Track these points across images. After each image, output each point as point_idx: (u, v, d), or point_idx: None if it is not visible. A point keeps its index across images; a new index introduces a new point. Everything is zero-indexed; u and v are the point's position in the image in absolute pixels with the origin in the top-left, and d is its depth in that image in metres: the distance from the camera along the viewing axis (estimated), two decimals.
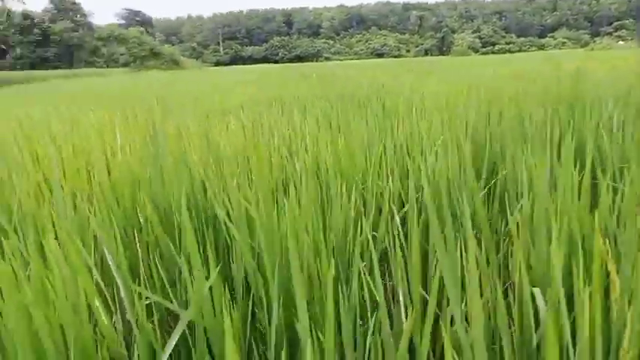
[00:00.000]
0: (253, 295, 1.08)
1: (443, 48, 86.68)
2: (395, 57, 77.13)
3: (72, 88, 11.05)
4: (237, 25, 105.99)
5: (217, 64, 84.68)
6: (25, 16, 37.09)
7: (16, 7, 36.10)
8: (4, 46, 36.79)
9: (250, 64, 72.54)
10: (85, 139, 2.38)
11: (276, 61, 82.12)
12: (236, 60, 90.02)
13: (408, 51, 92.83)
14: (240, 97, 4.94)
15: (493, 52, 70.55)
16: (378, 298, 0.90)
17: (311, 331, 0.85)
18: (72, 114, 3.88)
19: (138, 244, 1.24)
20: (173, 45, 60.38)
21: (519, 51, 69.37)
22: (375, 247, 1.21)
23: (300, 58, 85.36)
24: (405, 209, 1.48)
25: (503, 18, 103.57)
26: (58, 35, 37.06)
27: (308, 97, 4.27)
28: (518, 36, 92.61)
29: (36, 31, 36.95)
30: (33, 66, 35.15)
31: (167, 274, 1.14)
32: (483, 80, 5.10)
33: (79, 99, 6.32)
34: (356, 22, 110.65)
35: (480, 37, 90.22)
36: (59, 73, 25.03)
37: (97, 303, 0.90)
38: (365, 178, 1.59)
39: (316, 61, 75.87)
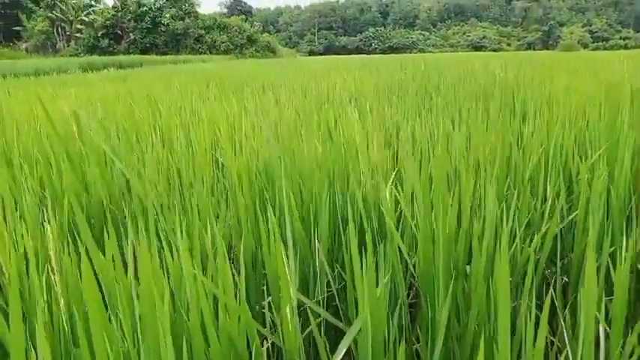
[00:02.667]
0: None
1: (548, 42, 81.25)
2: (494, 50, 73.52)
3: (199, 70, 11.65)
4: (332, 16, 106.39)
5: (311, 53, 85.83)
6: (139, 4, 39.81)
7: None
8: (120, 32, 39.80)
9: (344, 54, 72.64)
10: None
11: (368, 52, 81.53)
12: (329, 50, 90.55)
13: (508, 44, 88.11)
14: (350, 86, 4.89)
15: (605, 48, 64.91)
16: None
17: None
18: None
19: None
20: (270, 34, 61.95)
21: (636, 47, 63.20)
22: None
23: (393, 50, 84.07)
24: None
25: (619, 11, 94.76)
26: (167, 23, 39.37)
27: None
28: (637, 31, 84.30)
29: (147, 18, 39.53)
30: (143, 51, 37.67)
31: None
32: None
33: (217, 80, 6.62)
34: (454, 13, 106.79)
35: (590, 31, 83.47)
36: (167, 59, 26.59)
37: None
38: None
39: (410, 52, 74.30)
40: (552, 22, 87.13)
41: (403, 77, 5.52)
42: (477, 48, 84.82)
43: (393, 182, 1.37)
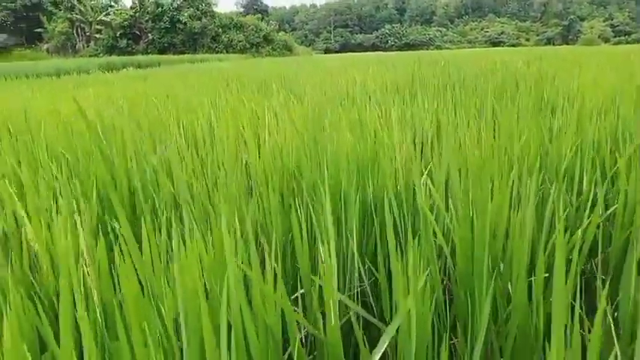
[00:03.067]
0: None
1: (568, 37, 79.90)
2: (512, 46, 72.57)
3: (219, 69, 11.72)
4: (348, 13, 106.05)
5: (327, 51, 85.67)
6: (157, 4, 40.17)
7: None
8: (138, 32, 40.21)
9: (359, 51, 72.39)
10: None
11: (385, 49, 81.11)
12: (345, 47, 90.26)
13: (527, 40, 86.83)
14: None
15: (627, 42, 63.55)
16: None
17: None
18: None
19: None
20: (286, 32, 62.07)
21: None
22: None
23: (410, 46, 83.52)
24: None
25: None
26: (185, 23, 39.67)
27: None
28: None
29: (165, 18, 39.87)
30: (161, 51, 38.04)
31: None
32: None
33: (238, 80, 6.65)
34: (472, 8, 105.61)
35: (612, 25, 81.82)
36: (185, 58, 26.77)
37: None
38: None
39: (427, 49, 73.69)
40: (572, 17, 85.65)
41: (442, 65, 5.45)
42: (495, 44, 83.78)
43: (426, 173, 1.35)
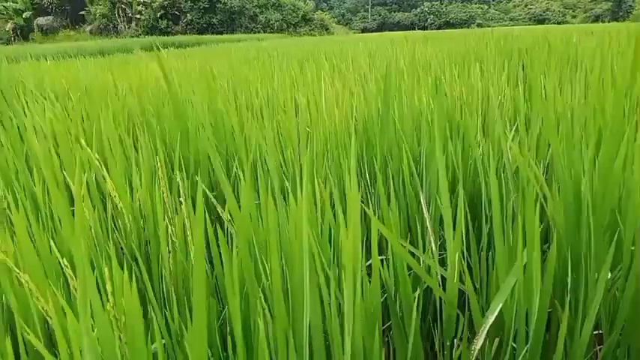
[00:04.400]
0: None
1: (618, 14, 76.00)
2: (558, 23, 69.68)
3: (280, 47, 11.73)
4: None
5: (364, 30, 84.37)
6: None
7: None
8: (177, 13, 40.58)
9: (397, 30, 70.96)
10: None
11: (424, 27, 79.24)
12: (383, 26, 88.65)
13: (574, 17, 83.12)
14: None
15: None
16: None
17: None
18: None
19: None
20: (323, 11, 61.38)
21: None
22: None
23: (450, 25, 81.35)
24: None
25: None
26: (223, 3, 39.78)
27: None
28: None
29: None
30: (200, 31, 38.32)
31: None
32: None
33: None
34: None
35: None
36: (224, 38, 26.83)
37: None
38: None
39: (468, 27, 71.57)
40: None
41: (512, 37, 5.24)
42: (540, 21, 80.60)
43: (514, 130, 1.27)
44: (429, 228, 0.93)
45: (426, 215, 0.95)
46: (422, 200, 0.96)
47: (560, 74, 2.46)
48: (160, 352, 0.69)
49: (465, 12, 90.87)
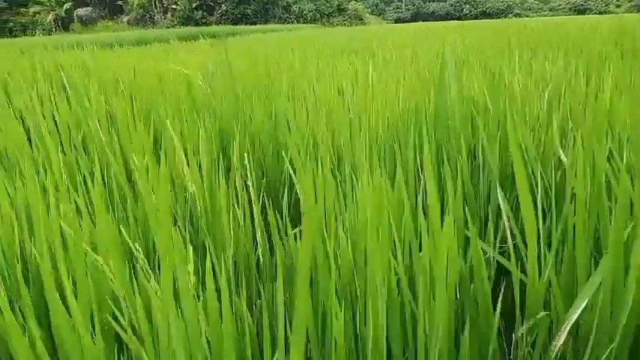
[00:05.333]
0: None
1: None
2: (600, 13, 67.20)
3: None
4: None
5: (397, 20, 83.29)
6: None
7: None
8: (212, 3, 40.97)
9: (432, 20, 69.83)
10: None
11: (459, 18, 77.67)
12: (417, 16, 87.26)
13: (617, 7, 80.00)
14: None
15: None
16: None
17: None
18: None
19: None
20: (357, 1, 60.85)
21: None
22: None
23: (486, 15, 79.52)
24: None
25: None
26: None
27: None
28: None
29: None
30: (234, 22, 38.58)
31: None
32: None
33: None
34: None
35: None
36: (257, 28, 26.91)
37: None
38: None
39: (505, 17, 69.75)
40: None
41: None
42: (581, 11, 77.95)
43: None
44: (505, 222, 0.89)
45: (502, 206, 0.91)
46: (498, 193, 0.93)
47: None
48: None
49: (502, 1, 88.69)
